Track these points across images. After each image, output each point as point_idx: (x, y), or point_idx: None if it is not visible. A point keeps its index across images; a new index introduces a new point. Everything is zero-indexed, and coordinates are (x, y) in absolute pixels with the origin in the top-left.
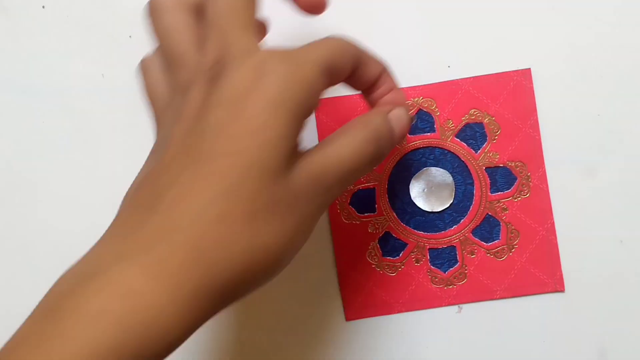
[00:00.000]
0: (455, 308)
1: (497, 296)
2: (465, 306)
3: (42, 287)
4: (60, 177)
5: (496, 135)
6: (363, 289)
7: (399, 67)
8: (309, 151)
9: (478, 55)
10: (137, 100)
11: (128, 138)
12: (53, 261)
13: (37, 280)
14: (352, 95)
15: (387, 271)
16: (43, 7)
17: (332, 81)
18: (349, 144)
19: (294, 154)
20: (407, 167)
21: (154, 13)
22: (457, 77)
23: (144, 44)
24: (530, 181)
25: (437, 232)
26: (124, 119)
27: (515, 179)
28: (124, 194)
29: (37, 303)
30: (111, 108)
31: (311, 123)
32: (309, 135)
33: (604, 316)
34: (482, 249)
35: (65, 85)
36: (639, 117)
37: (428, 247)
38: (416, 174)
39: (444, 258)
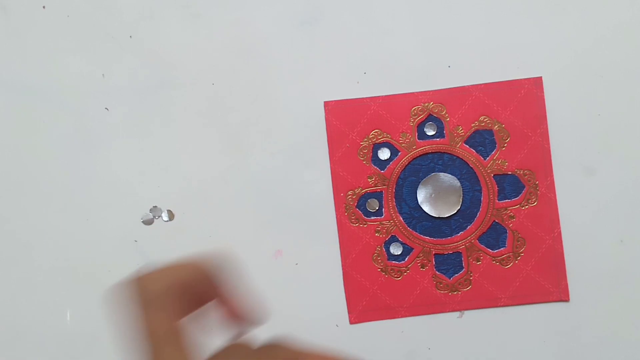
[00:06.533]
0: (457, 313)
1: (502, 304)
2: (469, 312)
3: (40, 284)
4: (59, 176)
5: (505, 143)
6: (368, 293)
7: (399, 68)
8: None
9: (479, 58)
10: (136, 100)
11: (127, 137)
12: (51, 257)
13: (35, 278)
14: (363, 98)
15: (392, 275)
16: (43, 7)
17: None
18: None
19: None
20: (415, 172)
21: None
22: (458, 78)
23: (144, 45)
24: (538, 189)
25: (443, 237)
26: (123, 118)
27: (523, 187)
28: (122, 193)
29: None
30: (111, 107)
31: (321, 125)
32: (319, 137)
33: (609, 326)
34: (488, 256)
35: (65, 85)
36: None
37: (434, 252)
38: (424, 179)
39: (449, 264)
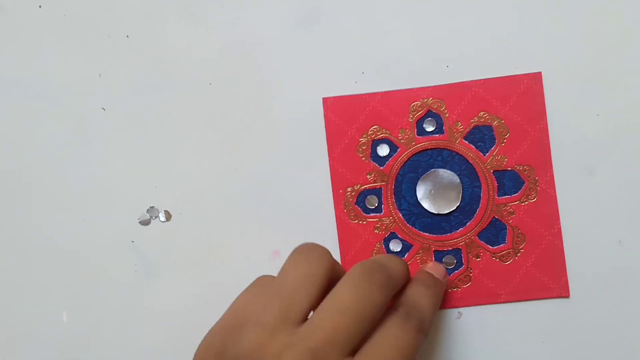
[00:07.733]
0: (455, 313)
1: (502, 300)
2: (468, 309)
3: (39, 286)
4: (56, 176)
5: (505, 139)
6: None
7: (397, 67)
8: None
9: (478, 53)
10: (133, 100)
11: (124, 137)
12: (50, 261)
13: (31, 278)
14: (361, 94)
15: None
16: (40, 6)
17: None
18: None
19: None
20: (414, 168)
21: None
22: (457, 76)
23: (140, 44)
24: (537, 185)
25: (442, 234)
26: (120, 119)
27: (523, 182)
28: (119, 193)
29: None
30: (108, 108)
31: (319, 122)
32: (317, 135)
33: (609, 323)
34: (488, 252)
35: (62, 85)
36: None
37: (433, 249)
38: (423, 175)
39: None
